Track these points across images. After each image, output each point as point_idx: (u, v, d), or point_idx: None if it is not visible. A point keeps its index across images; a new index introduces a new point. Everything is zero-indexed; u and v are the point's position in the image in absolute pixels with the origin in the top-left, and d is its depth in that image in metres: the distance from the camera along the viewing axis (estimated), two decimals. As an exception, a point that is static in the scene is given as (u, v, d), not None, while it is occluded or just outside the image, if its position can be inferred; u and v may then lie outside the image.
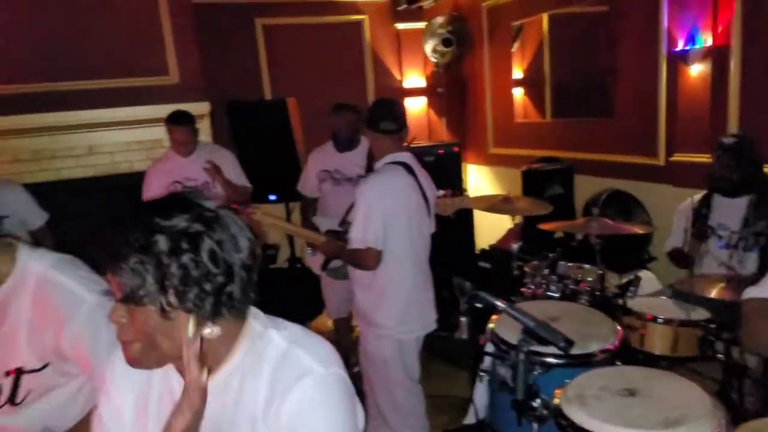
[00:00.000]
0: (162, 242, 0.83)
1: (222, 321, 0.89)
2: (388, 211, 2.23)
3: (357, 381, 3.43)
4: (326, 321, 4.28)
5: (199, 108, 3.89)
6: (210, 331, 0.87)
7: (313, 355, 0.92)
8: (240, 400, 0.91)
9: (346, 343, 3.80)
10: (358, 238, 2.23)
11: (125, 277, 0.84)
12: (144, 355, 0.89)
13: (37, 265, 1.28)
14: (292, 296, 4.13)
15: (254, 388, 0.90)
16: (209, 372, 0.88)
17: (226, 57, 4.64)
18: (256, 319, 0.96)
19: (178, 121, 3.27)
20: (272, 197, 4.27)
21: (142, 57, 4.01)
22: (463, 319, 1.65)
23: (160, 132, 3.89)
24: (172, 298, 0.84)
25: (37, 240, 2.96)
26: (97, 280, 1.28)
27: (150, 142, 4.05)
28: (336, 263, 2.68)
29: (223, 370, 0.92)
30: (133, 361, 0.90)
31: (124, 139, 4.01)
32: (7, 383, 1.24)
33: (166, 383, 0.97)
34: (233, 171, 3.54)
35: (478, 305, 1.45)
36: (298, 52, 4.96)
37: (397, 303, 2.33)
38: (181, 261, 0.83)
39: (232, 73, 4.64)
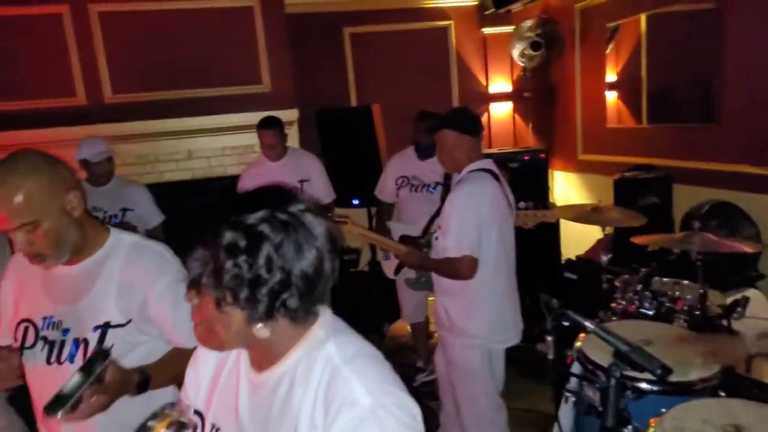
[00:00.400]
0: (226, 238, 0.83)
1: (278, 324, 0.87)
2: (481, 219, 2.19)
3: (430, 389, 3.43)
4: (405, 325, 4.29)
5: (289, 115, 4.03)
6: (259, 328, 0.87)
7: (363, 382, 0.86)
8: (287, 402, 0.90)
9: (423, 348, 3.79)
10: (452, 246, 2.19)
11: (191, 264, 0.87)
12: (207, 338, 0.91)
13: (130, 236, 1.44)
14: (373, 300, 4.18)
15: (301, 396, 0.88)
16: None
17: (315, 65, 4.78)
18: (322, 328, 0.93)
19: (267, 125, 3.42)
20: (355, 201, 4.34)
21: (239, 67, 4.22)
22: (549, 338, 1.59)
23: (252, 138, 4.07)
24: (227, 294, 0.84)
25: (154, 235, 3.20)
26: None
27: (242, 147, 4.25)
28: (413, 273, 2.67)
29: (276, 369, 0.92)
30: (200, 341, 0.93)
31: (219, 145, 4.23)
32: (95, 337, 1.35)
33: (236, 363, 1.00)
34: (320, 177, 3.64)
35: (565, 323, 1.39)
36: (384, 59, 5.01)
37: (490, 312, 2.29)
38: (237, 261, 0.82)
39: (320, 81, 4.77)
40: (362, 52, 4.97)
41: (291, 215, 0.86)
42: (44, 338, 1.36)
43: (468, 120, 2.32)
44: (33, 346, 1.37)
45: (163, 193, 3.45)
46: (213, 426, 0.98)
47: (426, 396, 3.38)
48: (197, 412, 1.01)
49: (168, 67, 4.07)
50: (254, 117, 3.73)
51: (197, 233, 0.88)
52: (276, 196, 0.89)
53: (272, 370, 0.92)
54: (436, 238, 2.37)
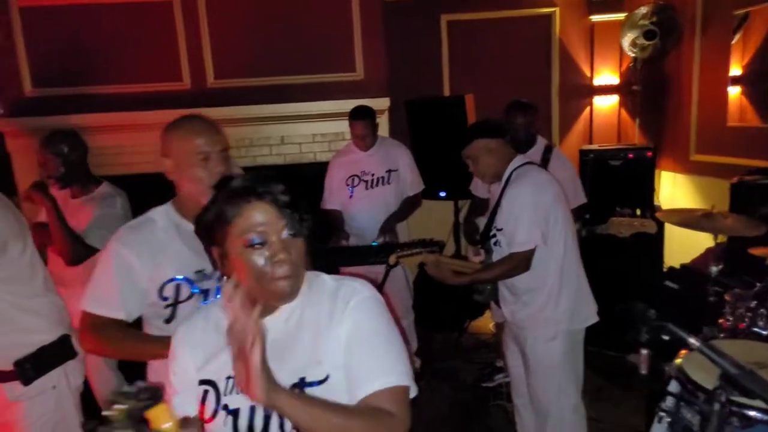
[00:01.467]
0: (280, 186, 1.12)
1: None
2: (547, 207, 2.25)
3: (508, 391, 3.31)
4: (488, 323, 4.16)
5: (380, 104, 4.00)
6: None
7: (361, 284, 1.15)
8: (302, 322, 1.11)
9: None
10: (523, 240, 2.23)
11: (293, 216, 1.09)
12: (296, 284, 1.11)
13: None
14: (455, 295, 4.07)
15: (316, 311, 1.11)
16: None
17: (409, 54, 4.72)
18: (311, 272, 1.17)
19: (359, 115, 3.40)
20: (442, 194, 4.25)
21: (333, 54, 4.25)
22: (644, 351, 1.43)
23: (341, 126, 4.09)
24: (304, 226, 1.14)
25: None
26: None
27: (332, 134, 4.28)
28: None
29: (284, 308, 1.11)
30: (294, 290, 1.11)
31: (310, 132, 4.29)
32: None
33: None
34: (408, 167, 3.59)
35: (664, 337, 1.23)
36: (481, 47, 4.85)
37: (569, 294, 2.32)
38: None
39: (413, 69, 4.70)
40: (458, 41, 4.84)
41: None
42: (199, 290, 1.53)
43: (491, 124, 2.44)
44: (189, 298, 1.53)
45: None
46: (228, 377, 1.09)
47: (502, 397, 3.27)
48: (207, 381, 1.12)
49: (266, 54, 4.18)
50: (346, 105, 3.75)
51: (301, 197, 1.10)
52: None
53: (281, 309, 1.12)
54: (495, 243, 2.38)
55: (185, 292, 1.53)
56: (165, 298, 1.53)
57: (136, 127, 4.04)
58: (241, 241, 1.05)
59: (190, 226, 1.31)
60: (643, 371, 1.41)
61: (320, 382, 1.05)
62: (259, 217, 1.05)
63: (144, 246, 1.52)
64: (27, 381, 1.79)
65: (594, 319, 2.39)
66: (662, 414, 1.75)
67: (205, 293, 1.53)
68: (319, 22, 4.22)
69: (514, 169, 2.34)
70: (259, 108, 4.14)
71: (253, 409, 1.07)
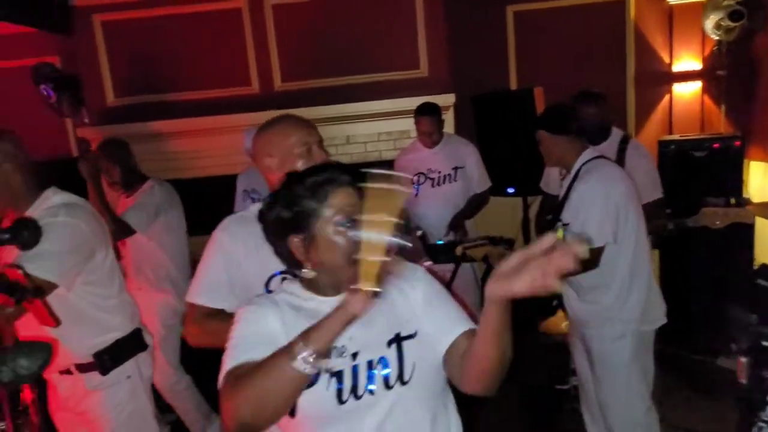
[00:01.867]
0: None
1: None
2: (619, 202, 2.17)
3: (567, 398, 3.18)
4: (559, 322, 4.02)
5: (445, 100, 3.95)
6: None
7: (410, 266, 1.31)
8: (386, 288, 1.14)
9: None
10: (594, 236, 2.14)
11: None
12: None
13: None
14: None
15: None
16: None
17: (474, 47, 4.61)
18: None
19: (425, 111, 3.37)
20: (510, 190, 4.13)
21: (397, 52, 4.24)
22: (743, 359, 1.33)
23: (406, 123, 4.07)
24: None
25: None
26: None
27: (397, 133, 4.27)
28: None
29: None
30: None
31: (375, 130, 4.30)
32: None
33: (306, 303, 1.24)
34: (475, 164, 3.53)
35: (765, 343, 1.13)
36: (549, 38, 4.67)
37: (639, 292, 2.24)
38: None
39: (478, 63, 4.60)
40: (525, 32, 4.69)
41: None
42: None
43: (557, 119, 2.34)
44: None
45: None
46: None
47: (577, 400, 3.14)
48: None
49: (330, 55, 4.22)
50: (410, 102, 3.72)
51: None
52: None
53: None
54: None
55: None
56: (270, 292, 1.55)
57: (208, 132, 4.20)
58: (334, 221, 1.15)
59: None
60: (744, 380, 1.30)
61: (412, 336, 1.19)
62: (350, 198, 1.16)
63: (250, 238, 1.51)
64: (105, 371, 1.91)
65: (662, 320, 2.31)
66: (762, 425, 1.63)
67: None
68: (381, 20, 4.21)
69: (584, 163, 2.26)
70: (325, 109, 4.19)
71: (355, 369, 1.14)
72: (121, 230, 2.82)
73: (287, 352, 1.00)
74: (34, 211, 1.83)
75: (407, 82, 4.17)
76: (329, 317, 1.01)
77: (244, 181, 3.51)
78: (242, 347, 1.12)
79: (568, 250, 0.87)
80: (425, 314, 1.22)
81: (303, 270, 1.20)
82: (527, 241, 4.23)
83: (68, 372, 1.91)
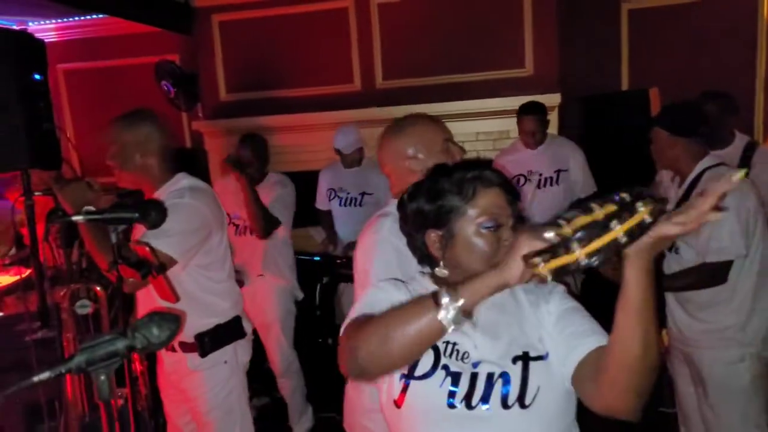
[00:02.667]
0: None
1: None
2: (749, 213, 2.00)
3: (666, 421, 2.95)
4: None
5: (550, 100, 3.81)
6: None
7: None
8: (520, 299, 1.17)
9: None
10: (721, 247, 1.98)
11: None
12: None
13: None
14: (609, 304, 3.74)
15: (525, 291, 1.17)
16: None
17: (583, 46, 4.42)
18: None
19: (529, 110, 3.29)
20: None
21: (501, 51, 4.15)
22: None
23: (507, 123, 3.98)
24: None
25: None
26: None
27: (497, 133, 4.18)
28: None
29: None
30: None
31: (474, 130, 4.23)
32: None
33: None
34: (580, 167, 3.39)
35: None
36: (667, 35, 4.37)
37: (765, 311, 2.06)
38: None
39: (586, 62, 4.41)
40: (640, 30, 4.42)
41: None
42: None
43: (681, 118, 2.13)
44: None
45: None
46: (445, 341, 1.11)
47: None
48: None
49: (432, 53, 4.21)
50: (512, 102, 3.63)
51: None
52: None
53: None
54: (671, 249, 2.11)
55: None
56: None
57: (311, 128, 4.33)
58: (478, 222, 1.10)
59: None
60: None
61: (541, 358, 1.09)
62: (498, 200, 1.12)
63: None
64: (204, 353, 2.01)
65: None
66: None
67: None
68: (486, 17, 4.14)
69: (705, 170, 2.08)
70: (424, 107, 4.16)
71: (474, 378, 1.07)
72: (271, 224, 2.96)
73: (431, 297, 0.96)
74: (163, 192, 1.98)
75: (510, 81, 4.07)
76: (482, 276, 0.95)
77: (329, 177, 3.58)
78: (369, 304, 1.10)
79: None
80: (557, 332, 1.11)
81: (436, 268, 1.16)
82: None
83: (173, 349, 2.04)
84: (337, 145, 3.41)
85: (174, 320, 0.86)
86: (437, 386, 1.07)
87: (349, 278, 3.46)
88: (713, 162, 2.11)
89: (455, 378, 1.07)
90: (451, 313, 0.93)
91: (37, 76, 2.64)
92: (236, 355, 2.11)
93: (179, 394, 2.12)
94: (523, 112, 3.29)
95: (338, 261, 3.64)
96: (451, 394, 1.06)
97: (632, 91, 4.27)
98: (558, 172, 3.35)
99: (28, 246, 3.15)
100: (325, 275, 3.70)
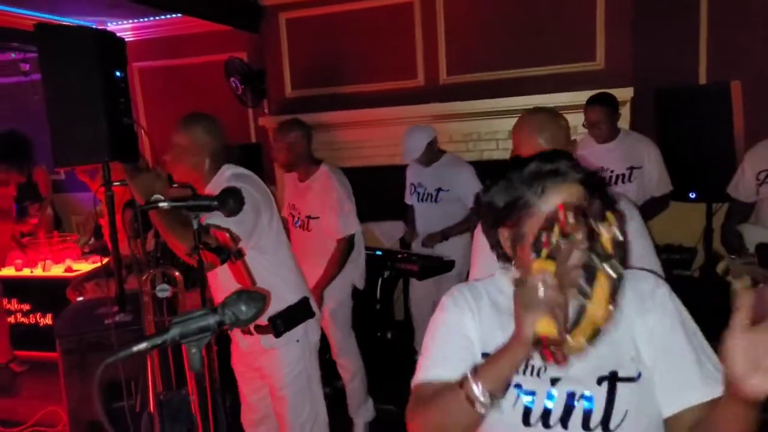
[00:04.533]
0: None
1: None
2: None
3: None
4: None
5: (622, 94, 3.65)
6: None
7: (655, 278, 1.13)
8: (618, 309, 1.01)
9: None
10: None
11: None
12: None
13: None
14: (702, 310, 3.56)
15: (626, 301, 1.02)
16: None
17: (658, 37, 4.22)
18: None
19: (593, 100, 3.20)
20: (692, 195, 3.73)
21: (571, 43, 4.02)
22: None
23: (575, 119, 3.84)
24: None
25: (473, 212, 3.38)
26: None
27: (565, 128, 4.06)
28: None
29: None
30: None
31: (541, 126, 4.12)
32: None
33: None
34: (655, 165, 3.26)
35: None
36: (752, 24, 4.10)
37: None
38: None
39: (661, 54, 4.20)
40: (722, 18, 4.17)
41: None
42: None
43: None
44: None
45: (483, 171, 3.53)
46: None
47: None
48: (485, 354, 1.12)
49: (498, 48, 4.14)
50: (581, 96, 3.52)
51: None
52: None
53: None
54: None
55: None
56: None
57: (374, 123, 4.36)
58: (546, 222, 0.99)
59: None
60: None
61: (632, 379, 1.00)
62: (572, 199, 0.99)
63: None
64: (278, 333, 2.13)
65: None
66: None
67: None
68: (555, 8, 4.01)
69: None
70: (488, 102, 4.12)
71: (550, 394, 1.01)
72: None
73: (461, 387, 0.95)
74: (212, 185, 2.10)
75: (580, 75, 3.94)
76: (503, 352, 0.93)
77: (411, 173, 3.62)
78: (435, 359, 1.08)
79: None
80: (657, 357, 1.00)
81: (511, 268, 1.10)
82: (709, 253, 3.80)
83: (249, 332, 2.16)
84: (404, 158, 3.46)
85: (261, 298, 0.89)
86: (510, 407, 1.02)
87: (410, 273, 3.48)
88: None
89: (531, 395, 1.02)
90: (485, 401, 0.93)
91: (118, 73, 2.78)
92: (307, 334, 2.23)
93: (254, 372, 2.26)
94: (587, 103, 3.20)
95: (399, 256, 3.65)
96: (526, 413, 1.01)
97: (711, 84, 4.04)
98: (631, 169, 3.22)
99: (106, 236, 3.33)
100: (386, 270, 3.72)
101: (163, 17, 5.12)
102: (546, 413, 1.00)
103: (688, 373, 0.99)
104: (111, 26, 5.17)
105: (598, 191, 1.04)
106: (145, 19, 5.18)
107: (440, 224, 3.39)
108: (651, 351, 1.01)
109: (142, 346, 0.83)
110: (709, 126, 3.59)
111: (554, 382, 1.01)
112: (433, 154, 3.42)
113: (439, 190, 3.40)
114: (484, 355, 1.07)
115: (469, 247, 3.48)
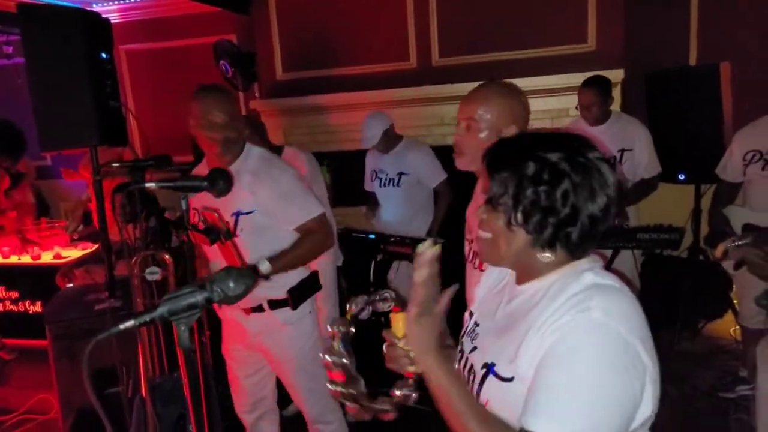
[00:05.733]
0: (530, 168, 0.95)
1: (555, 252, 0.99)
2: None
3: (739, 406, 2.84)
4: (729, 326, 3.61)
5: (613, 76, 3.65)
6: (541, 254, 0.99)
7: (606, 305, 0.91)
8: (531, 308, 0.99)
9: (751, 360, 3.13)
10: None
11: (493, 184, 1.00)
12: (489, 251, 1.05)
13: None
14: (689, 290, 3.60)
15: (546, 306, 0.96)
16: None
17: (649, 17, 4.20)
18: (588, 263, 1.01)
19: (586, 83, 3.21)
20: (681, 177, 3.75)
21: (562, 25, 4.01)
22: None
23: (567, 101, 3.86)
24: (519, 216, 0.97)
25: (437, 195, 3.40)
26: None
27: (556, 111, 4.06)
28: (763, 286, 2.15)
29: (533, 283, 1.03)
30: (482, 254, 1.08)
31: (532, 108, 4.06)
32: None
33: (507, 280, 1.14)
34: (645, 147, 3.27)
35: None
36: (741, 4, 4.10)
37: None
38: (537, 189, 0.95)
39: (652, 36, 4.19)
40: (711, 0, 4.17)
41: (589, 160, 0.96)
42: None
43: None
44: None
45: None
46: (476, 322, 1.16)
47: (746, 411, 2.84)
48: (470, 312, 1.20)
49: (491, 29, 4.12)
50: (573, 78, 3.52)
51: (503, 160, 1.00)
52: (575, 141, 0.99)
53: (531, 283, 1.03)
54: None
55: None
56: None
57: (367, 106, 4.32)
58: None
59: None
60: None
61: (503, 380, 0.98)
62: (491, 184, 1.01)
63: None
64: (295, 305, 2.15)
65: None
66: None
67: None
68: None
69: None
70: (473, 85, 4.10)
71: (466, 360, 1.11)
72: None
73: None
74: (240, 162, 2.07)
75: (572, 57, 3.94)
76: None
77: (371, 160, 3.63)
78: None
79: None
80: (533, 374, 0.92)
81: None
82: (697, 234, 3.83)
83: (261, 309, 2.14)
84: (362, 145, 3.46)
85: (249, 275, 0.88)
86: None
87: (403, 256, 3.49)
88: None
89: (460, 356, 1.13)
90: None
91: (104, 55, 2.73)
92: (314, 306, 2.28)
93: (255, 352, 2.24)
94: (581, 85, 3.21)
95: (392, 239, 3.65)
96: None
97: (701, 65, 4.04)
98: (622, 151, 3.23)
99: (95, 222, 3.30)
100: (379, 253, 3.72)
101: (150, -2, 5.04)
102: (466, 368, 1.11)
103: (533, 402, 0.90)
104: (96, 7, 5.07)
105: (518, 188, 1.03)
106: (132, 1, 5.09)
107: (403, 208, 3.45)
108: (533, 367, 0.92)
109: (130, 323, 0.82)
110: (698, 108, 3.59)
111: (472, 350, 1.10)
112: (390, 140, 3.45)
113: (401, 174, 3.44)
114: (470, 314, 1.22)
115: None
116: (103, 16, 2.84)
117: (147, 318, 0.82)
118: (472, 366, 1.07)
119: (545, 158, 0.95)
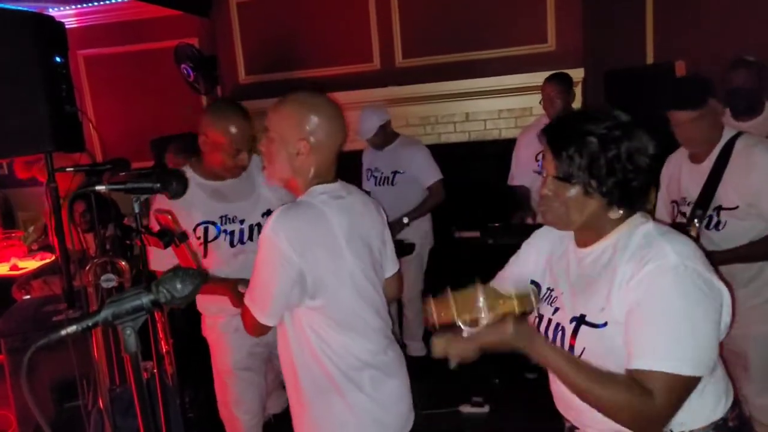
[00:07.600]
0: (593, 140, 1.10)
1: (623, 206, 1.15)
2: None
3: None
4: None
5: (573, 75, 3.71)
6: (611, 214, 1.15)
7: (675, 248, 1.09)
8: (607, 265, 1.15)
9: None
10: None
11: (561, 162, 1.13)
12: (557, 219, 1.19)
13: None
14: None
15: (619, 258, 1.13)
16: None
17: (607, 18, 4.29)
18: (643, 217, 1.18)
19: (550, 77, 3.24)
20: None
21: (522, 26, 4.07)
22: None
23: (529, 100, 3.91)
24: (593, 183, 1.12)
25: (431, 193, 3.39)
26: None
27: (519, 110, 4.12)
28: None
29: (600, 243, 1.19)
30: (551, 222, 1.22)
31: (496, 107, 4.17)
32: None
33: (565, 246, 1.28)
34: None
35: None
36: (694, 4, 4.21)
37: None
38: (607, 156, 1.10)
39: (610, 36, 4.28)
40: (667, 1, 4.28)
41: (629, 125, 1.14)
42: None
43: (690, 89, 2.13)
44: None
45: (440, 154, 3.55)
46: (548, 288, 1.29)
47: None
48: (533, 282, 1.33)
49: (453, 31, 4.16)
50: (534, 78, 3.57)
51: (565, 140, 1.14)
52: (608, 114, 1.17)
53: (597, 244, 1.19)
54: (714, 226, 2.00)
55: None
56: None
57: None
58: None
59: None
60: None
61: (597, 326, 1.13)
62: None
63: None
64: None
65: None
66: None
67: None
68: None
69: (733, 139, 1.99)
70: (445, 84, 4.14)
71: (549, 322, 1.23)
72: None
73: None
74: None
75: (533, 57, 4.00)
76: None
77: (367, 159, 3.58)
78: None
79: None
80: (627, 318, 1.09)
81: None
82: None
83: None
84: (358, 136, 3.40)
85: (197, 275, 0.86)
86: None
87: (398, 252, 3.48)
88: (733, 133, 2.02)
89: (539, 321, 1.26)
90: None
91: (58, 59, 2.65)
92: None
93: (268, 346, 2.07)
94: (545, 79, 3.26)
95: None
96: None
97: (657, 64, 4.15)
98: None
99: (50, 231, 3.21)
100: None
101: (108, 2, 4.93)
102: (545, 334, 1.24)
103: (651, 344, 1.06)
104: (52, 12, 4.94)
105: (570, 155, 1.18)
106: (90, 5, 4.98)
107: (398, 207, 3.39)
108: (624, 313, 1.09)
109: (72, 328, 0.79)
110: (656, 104, 3.67)
111: (555, 311, 1.24)
112: (386, 136, 3.41)
113: (395, 173, 3.39)
114: (533, 282, 1.34)
115: (429, 230, 3.52)
116: (60, 20, 2.76)
117: (89, 323, 0.79)
118: (558, 324, 1.21)
119: (600, 131, 1.11)
